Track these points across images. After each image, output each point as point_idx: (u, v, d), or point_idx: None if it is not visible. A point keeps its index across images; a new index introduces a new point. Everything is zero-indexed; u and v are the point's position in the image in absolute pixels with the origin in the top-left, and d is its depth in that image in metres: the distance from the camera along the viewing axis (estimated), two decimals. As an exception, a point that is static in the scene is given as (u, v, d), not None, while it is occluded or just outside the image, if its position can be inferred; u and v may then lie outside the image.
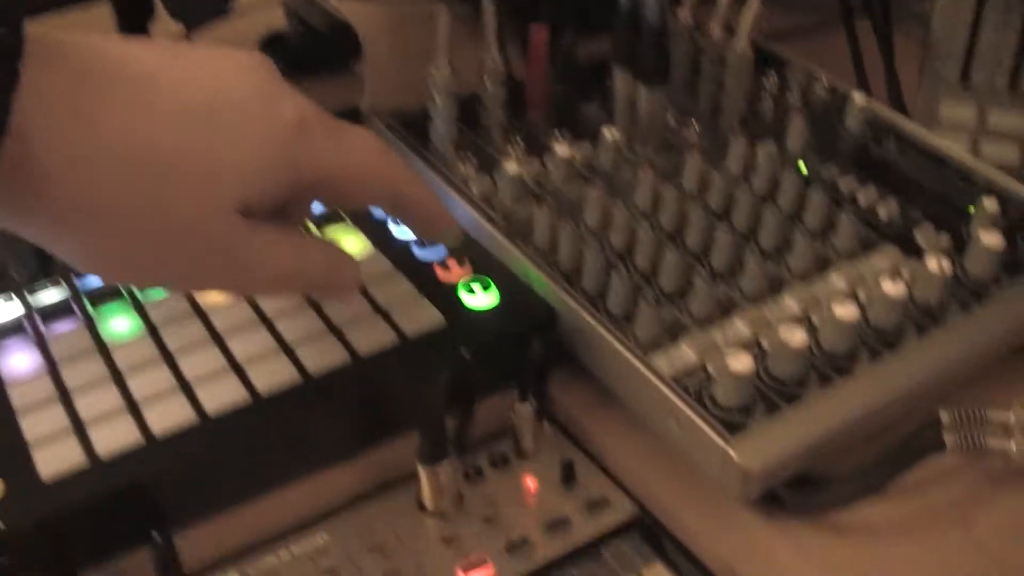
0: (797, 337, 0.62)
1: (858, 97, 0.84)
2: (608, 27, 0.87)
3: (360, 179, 0.58)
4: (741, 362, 0.61)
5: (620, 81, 0.81)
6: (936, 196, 0.78)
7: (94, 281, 0.72)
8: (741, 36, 0.83)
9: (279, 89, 0.55)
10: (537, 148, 0.82)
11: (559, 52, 0.80)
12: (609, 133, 0.79)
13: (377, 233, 0.76)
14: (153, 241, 0.52)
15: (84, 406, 0.63)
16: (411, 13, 1.16)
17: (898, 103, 0.89)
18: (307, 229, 0.74)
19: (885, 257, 0.73)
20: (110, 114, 0.49)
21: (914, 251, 0.73)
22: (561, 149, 0.77)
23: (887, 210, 0.76)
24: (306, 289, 0.63)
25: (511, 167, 0.75)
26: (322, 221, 0.78)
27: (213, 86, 0.53)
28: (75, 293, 0.71)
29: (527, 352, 0.65)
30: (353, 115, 0.95)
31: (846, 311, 0.64)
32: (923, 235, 0.74)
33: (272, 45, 1.08)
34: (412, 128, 0.85)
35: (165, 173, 0.50)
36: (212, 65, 0.54)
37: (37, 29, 0.47)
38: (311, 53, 1.08)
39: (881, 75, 0.91)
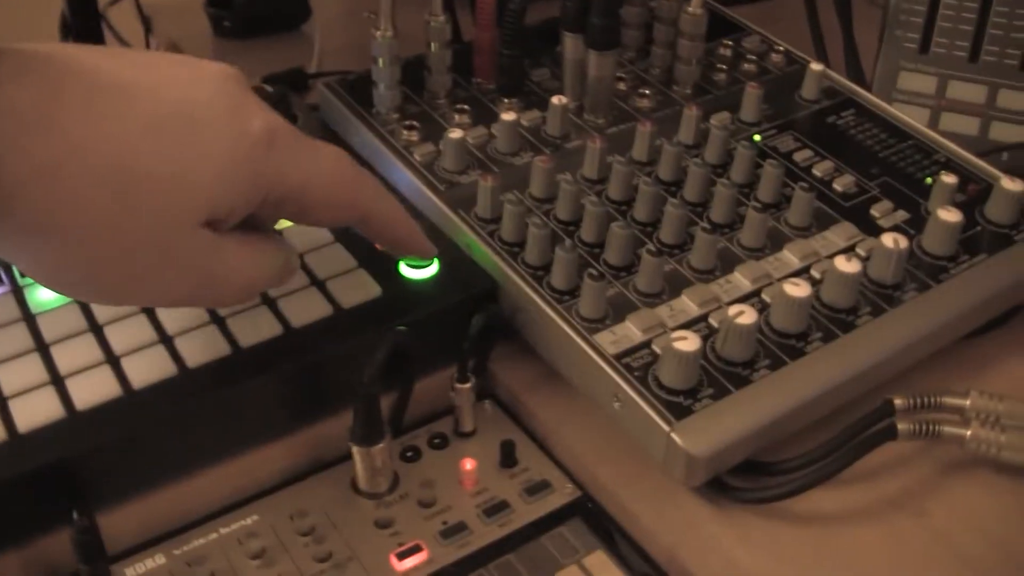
0: (746, 316, 0.60)
1: (815, 66, 0.82)
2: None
3: (328, 196, 0.57)
4: (688, 342, 0.59)
5: (569, 45, 0.78)
6: (894, 170, 0.76)
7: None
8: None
9: (249, 103, 0.54)
10: (484, 115, 0.79)
11: (507, 15, 0.77)
12: (558, 100, 0.76)
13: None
14: (119, 256, 0.50)
15: (5, 378, 0.61)
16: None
17: (857, 73, 0.87)
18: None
19: (841, 233, 0.71)
20: (81, 125, 0.48)
21: (871, 227, 0.71)
22: (507, 115, 0.74)
23: (843, 184, 0.74)
24: (263, 290, 0.63)
25: (454, 133, 0.73)
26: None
27: (184, 99, 0.52)
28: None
29: (468, 327, 0.62)
30: (297, 75, 0.92)
31: (798, 289, 0.62)
32: (880, 211, 0.71)
33: (220, 3, 1.06)
34: (356, 92, 0.82)
35: (133, 186, 0.49)
36: (184, 77, 0.53)
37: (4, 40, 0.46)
38: (261, 12, 1.05)
39: (841, 42, 0.88)
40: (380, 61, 0.77)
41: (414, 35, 0.79)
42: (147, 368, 0.61)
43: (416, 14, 0.79)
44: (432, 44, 0.79)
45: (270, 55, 1.02)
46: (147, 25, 1.11)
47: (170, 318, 0.64)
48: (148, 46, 1.05)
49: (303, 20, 1.07)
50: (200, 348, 0.62)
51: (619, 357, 0.61)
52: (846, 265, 0.63)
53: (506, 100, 0.79)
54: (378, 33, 0.76)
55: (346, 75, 0.84)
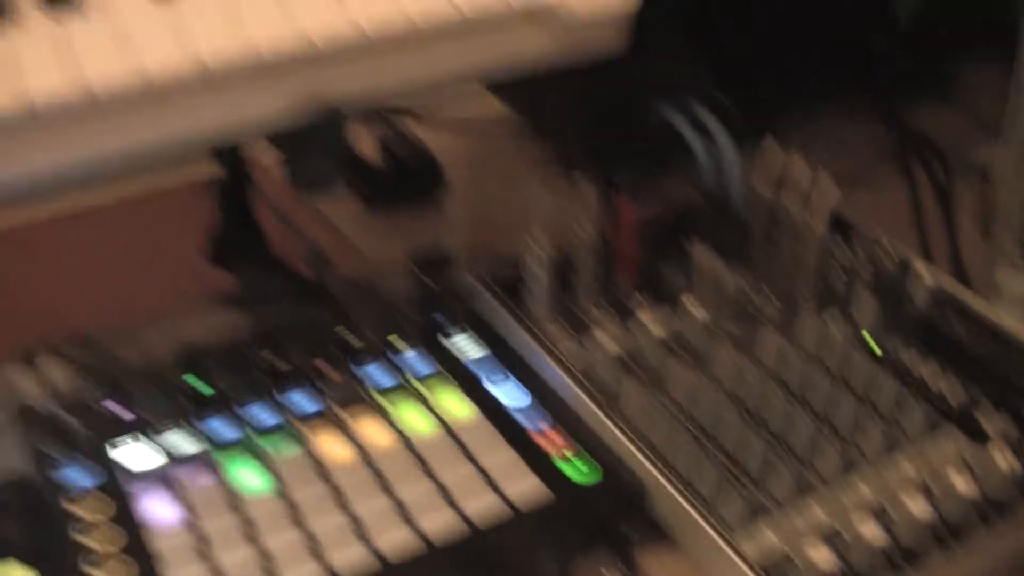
0: (872, 532, 0.69)
1: (920, 267, 0.90)
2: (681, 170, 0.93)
3: None
4: (821, 555, 0.67)
5: (701, 255, 0.87)
6: (999, 375, 0.83)
7: (220, 428, 0.80)
8: (816, 213, 0.89)
9: None
10: (627, 315, 0.88)
11: (644, 222, 0.86)
12: (690, 304, 0.85)
13: (479, 395, 0.83)
14: None
15: (222, 558, 0.70)
16: (497, 147, 1.22)
17: (959, 269, 0.94)
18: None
19: (950, 441, 0.79)
20: None
21: (978, 434, 0.78)
22: (646, 317, 0.86)
23: (950, 388, 0.82)
24: None
25: (604, 341, 0.82)
26: (425, 380, 0.84)
27: None
28: (205, 441, 0.79)
29: (619, 527, 0.71)
30: (442, 260, 1.01)
31: (919, 507, 0.70)
32: (986, 418, 0.79)
33: (358, 173, 1.15)
34: (505, 286, 0.91)
35: None
36: None
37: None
38: (397, 185, 1.14)
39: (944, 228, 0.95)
40: (533, 268, 0.86)
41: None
42: (350, 558, 0.71)
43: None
44: (580, 253, 0.87)
45: (407, 228, 1.11)
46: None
47: (364, 508, 0.74)
48: (288, 210, 1.13)
49: (438, 194, 1.16)
50: (396, 541, 0.72)
51: (761, 563, 0.70)
52: (961, 482, 0.72)
53: (645, 301, 0.88)
54: (532, 241, 0.85)
55: (495, 273, 0.93)
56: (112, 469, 0.77)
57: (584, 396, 0.81)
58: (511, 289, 0.91)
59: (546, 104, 1.11)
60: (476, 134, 1.25)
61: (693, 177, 0.89)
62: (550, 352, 0.84)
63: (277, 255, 1.17)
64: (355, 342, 0.88)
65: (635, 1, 0.84)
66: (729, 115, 0.86)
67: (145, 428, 0.80)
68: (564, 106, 1.01)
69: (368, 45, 0.77)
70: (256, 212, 1.17)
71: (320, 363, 0.85)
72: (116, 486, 0.76)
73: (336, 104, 0.77)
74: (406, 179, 1.16)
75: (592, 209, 0.86)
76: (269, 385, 0.84)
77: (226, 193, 1.20)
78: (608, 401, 0.80)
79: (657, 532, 0.76)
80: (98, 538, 0.72)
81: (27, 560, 0.72)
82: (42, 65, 0.70)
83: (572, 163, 0.91)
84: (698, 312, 0.86)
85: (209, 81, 0.73)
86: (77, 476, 0.77)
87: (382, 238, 1.13)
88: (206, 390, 0.83)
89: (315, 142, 0.77)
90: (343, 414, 0.81)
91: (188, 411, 0.81)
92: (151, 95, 0.72)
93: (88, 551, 0.71)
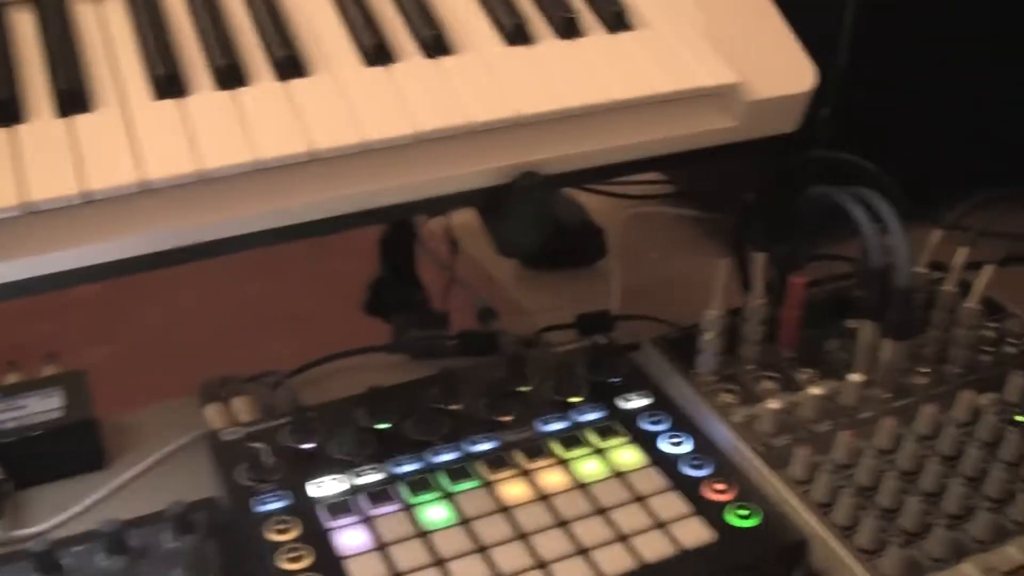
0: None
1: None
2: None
3: None
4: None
5: (866, 332, 0.93)
6: None
7: (403, 464, 0.86)
8: (974, 294, 0.94)
9: None
10: (785, 377, 0.94)
11: (809, 295, 0.92)
12: (854, 378, 0.90)
13: (650, 447, 0.88)
14: None
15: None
16: (657, 213, 1.29)
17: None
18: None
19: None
20: None
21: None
22: (807, 384, 0.91)
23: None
24: None
25: (772, 403, 0.88)
26: (597, 430, 0.90)
27: None
28: (391, 477, 0.85)
29: (779, 572, 0.77)
30: (606, 320, 1.08)
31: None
32: None
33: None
34: (677, 350, 0.97)
35: None
36: None
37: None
38: (560, 248, 1.21)
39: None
40: (708, 334, 0.92)
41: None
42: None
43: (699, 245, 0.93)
44: (749, 320, 0.93)
45: (567, 288, 1.19)
46: (454, 246, 1.27)
47: (546, 547, 0.80)
48: (453, 266, 1.21)
49: (598, 257, 1.22)
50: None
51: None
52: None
53: (805, 370, 0.93)
54: (711, 312, 0.91)
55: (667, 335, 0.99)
56: (303, 497, 0.84)
57: (747, 449, 0.87)
58: (674, 349, 0.96)
59: (711, 177, 1.18)
60: (636, 202, 1.31)
61: (856, 254, 0.93)
62: (716, 410, 0.90)
63: (435, 308, 1.25)
64: (529, 393, 0.94)
65: (814, 83, 0.89)
66: (894, 196, 0.91)
67: (331, 461, 0.87)
68: (731, 180, 1.07)
69: (573, 117, 0.84)
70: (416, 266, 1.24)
71: (496, 410, 0.91)
72: (308, 513, 0.82)
73: (540, 172, 0.84)
74: (570, 244, 1.22)
75: (760, 280, 0.91)
76: (448, 427, 0.90)
77: (389, 246, 1.27)
78: (769, 455, 0.86)
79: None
80: (294, 560, 0.79)
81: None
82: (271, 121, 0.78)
83: (739, 236, 0.97)
84: (857, 381, 0.90)
85: (422, 144, 0.80)
86: (272, 503, 0.83)
87: (541, 295, 1.19)
88: (388, 428, 0.90)
89: (522, 208, 0.83)
90: (519, 457, 0.87)
91: (371, 446, 0.88)
92: (366, 155, 0.80)
93: (283, 571, 0.78)
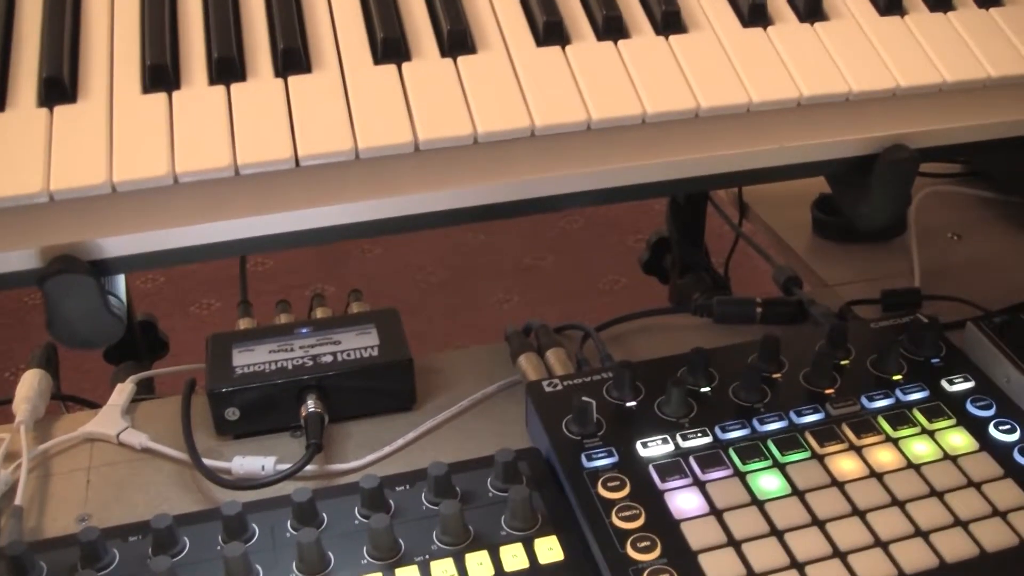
0: None
1: None
2: None
3: None
4: None
5: None
6: None
7: (731, 429, 0.86)
8: None
9: None
10: None
11: None
12: None
13: (980, 432, 0.86)
14: None
15: (753, 557, 0.76)
16: (952, 192, 1.26)
17: None
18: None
19: None
20: None
21: None
22: None
23: None
24: None
25: None
26: (924, 411, 0.88)
27: None
28: (719, 442, 0.85)
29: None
30: (913, 294, 1.05)
31: None
32: None
33: (825, 209, 1.20)
34: (1003, 333, 0.94)
35: None
36: None
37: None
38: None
39: None
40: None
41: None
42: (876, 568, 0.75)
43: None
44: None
45: (861, 262, 1.17)
46: (743, 211, 1.26)
47: (883, 525, 0.79)
48: (740, 229, 1.19)
49: (896, 234, 1.20)
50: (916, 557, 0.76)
51: None
52: None
53: None
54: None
55: (969, 307, 1.01)
56: (632, 455, 0.84)
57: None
58: (1001, 333, 0.94)
59: (1007, 159, 1.14)
60: (932, 180, 1.28)
61: None
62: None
63: (717, 273, 1.23)
64: (849, 366, 0.93)
65: None
66: None
67: (656, 420, 0.87)
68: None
69: (944, 93, 0.83)
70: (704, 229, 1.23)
71: (819, 381, 0.90)
72: (639, 473, 0.82)
73: (907, 145, 0.82)
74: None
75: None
76: (771, 395, 0.89)
77: (678, 207, 1.26)
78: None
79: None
80: (628, 520, 0.79)
81: (554, 530, 0.79)
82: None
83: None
84: None
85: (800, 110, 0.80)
86: (602, 459, 0.84)
87: (836, 268, 1.17)
88: (710, 391, 0.90)
89: (888, 180, 0.81)
90: (848, 432, 0.86)
91: (695, 408, 0.87)
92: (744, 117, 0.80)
93: (619, 529, 0.78)
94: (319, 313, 1.04)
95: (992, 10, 0.87)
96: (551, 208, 0.80)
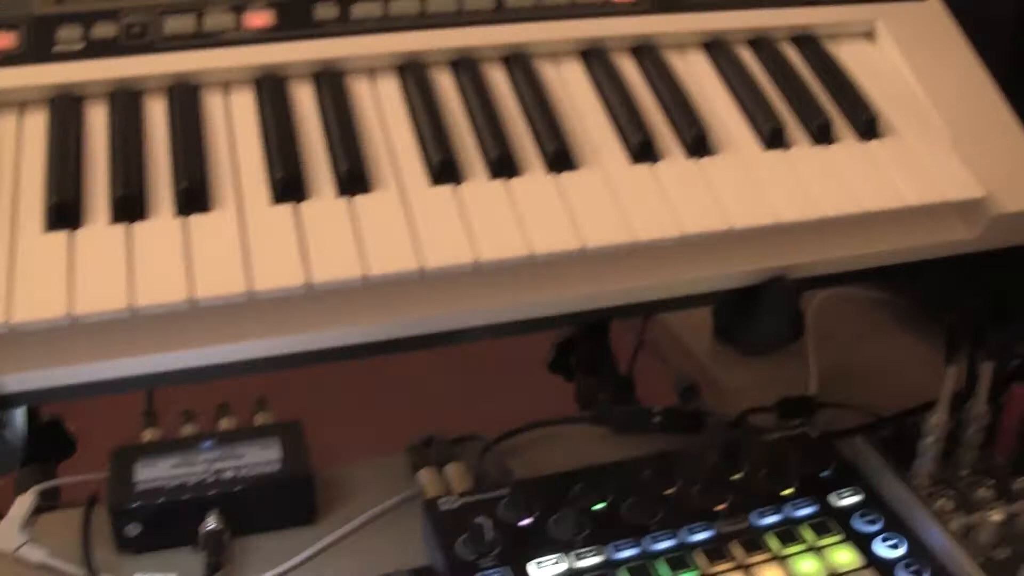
0: None
1: None
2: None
3: None
4: None
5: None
6: None
7: (618, 547, 0.87)
8: None
9: None
10: (1002, 486, 0.93)
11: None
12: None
13: (865, 548, 0.89)
14: None
15: None
16: (849, 295, 1.29)
17: None
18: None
19: None
20: None
21: None
22: None
23: None
24: None
25: (994, 514, 0.87)
26: (814, 530, 0.90)
27: None
28: (611, 562, 0.86)
29: None
30: (808, 405, 1.08)
31: None
32: None
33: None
34: (890, 449, 0.96)
35: None
36: None
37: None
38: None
39: None
40: (929, 439, 0.92)
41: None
42: None
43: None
44: (971, 427, 0.93)
45: (762, 366, 1.19)
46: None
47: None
48: (645, 332, 1.21)
49: (799, 336, 1.22)
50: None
51: None
52: None
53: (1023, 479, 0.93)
54: (934, 418, 0.91)
55: (863, 413, 1.03)
56: (525, 574, 0.85)
57: (967, 560, 0.86)
58: (889, 447, 0.96)
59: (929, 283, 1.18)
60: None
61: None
62: (932, 513, 0.90)
63: (622, 375, 1.25)
64: (740, 481, 0.94)
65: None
66: None
67: (549, 540, 0.88)
68: (952, 286, 1.07)
69: (824, 225, 0.85)
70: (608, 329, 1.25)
71: (711, 498, 0.92)
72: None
73: (788, 276, 0.85)
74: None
75: (986, 389, 0.91)
76: (663, 512, 0.90)
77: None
78: (990, 567, 0.86)
79: None
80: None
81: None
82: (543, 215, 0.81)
83: (958, 340, 0.97)
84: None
85: (687, 247, 0.82)
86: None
87: (736, 371, 1.19)
88: (604, 508, 0.91)
89: (770, 311, 0.84)
90: (737, 550, 0.87)
91: (588, 527, 0.89)
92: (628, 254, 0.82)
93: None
94: (224, 424, 1.05)
95: (873, 142, 0.89)
96: (442, 344, 0.82)
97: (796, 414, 1.07)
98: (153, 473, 0.95)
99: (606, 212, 0.81)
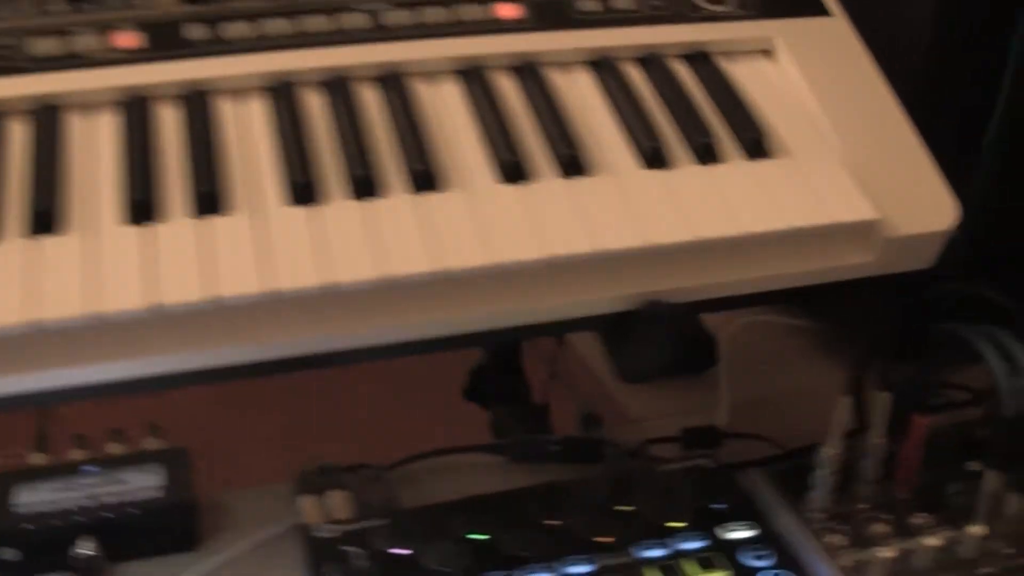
0: None
1: None
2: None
3: None
4: None
5: (992, 481, 0.89)
6: None
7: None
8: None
9: None
10: (899, 519, 0.91)
11: (931, 436, 0.89)
12: (975, 530, 0.87)
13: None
14: None
15: None
16: (768, 322, 1.26)
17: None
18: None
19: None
20: None
21: None
22: (929, 540, 0.86)
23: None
24: None
25: (885, 551, 0.84)
26: (699, 564, 0.87)
27: None
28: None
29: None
30: (713, 436, 1.05)
31: None
32: None
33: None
34: (786, 481, 0.94)
35: None
36: None
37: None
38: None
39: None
40: (822, 471, 0.89)
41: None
42: None
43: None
44: (866, 459, 0.90)
45: (674, 395, 1.16)
46: (560, 340, 1.25)
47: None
48: (558, 359, 1.19)
49: (708, 366, 1.20)
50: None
51: None
52: None
53: (922, 514, 0.90)
54: (826, 450, 0.88)
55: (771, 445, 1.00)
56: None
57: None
58: (784, 480, 0.94)
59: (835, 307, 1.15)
60: (747, 310, 1.28)
61: (979, 383, 0.92)
62: (824, 549, 0.87)
63: (536, 403, 1.23)
64: (631, 513, 0.91)
65: (954, 220, 0.87)
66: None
67: (424, 571, 0.85)
68: (855, 312, 1.04)
69: (706, 248, 0.83)
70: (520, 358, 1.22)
71: (596, 531, 0.89)
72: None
73: (666, 300, 0.82)
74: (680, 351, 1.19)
75: (883, 420, 0.88)
76: (545, 545, 0.88)
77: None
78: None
79: None
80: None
81: None
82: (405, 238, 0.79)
83: (860, 368, 0.94)
84: (978, 534, 0.86)
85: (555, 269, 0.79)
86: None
87: (647, 400, 1.17)
88: (485, 540, 0.88)
89: (645, 337, 0.81)
90: (617, 584, 0.82)
91: (466, 558, 0.86)
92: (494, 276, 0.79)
93: None
94: (113, 448, 1.02)
95: (761, 162, 0.87)
96: (321, 365, 0.81)
97: (701, 444, 1.04)
98: (33, 497, 0.93)
99: (469, 233, 0.79)
